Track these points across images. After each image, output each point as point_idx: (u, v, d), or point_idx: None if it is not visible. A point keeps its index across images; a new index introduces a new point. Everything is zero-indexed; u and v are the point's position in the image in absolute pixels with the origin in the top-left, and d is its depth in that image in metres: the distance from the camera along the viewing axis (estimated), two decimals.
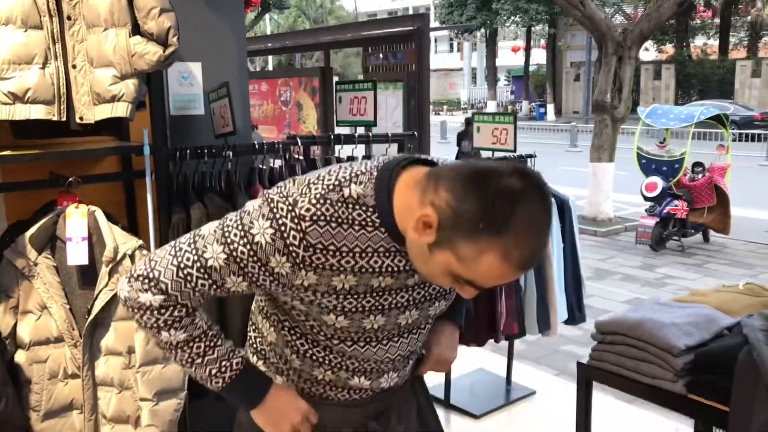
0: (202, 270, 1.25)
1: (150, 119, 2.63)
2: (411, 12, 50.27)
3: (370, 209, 1.24)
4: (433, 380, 3.02)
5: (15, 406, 2.28)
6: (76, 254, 2.45)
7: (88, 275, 2.52)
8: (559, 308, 3.75)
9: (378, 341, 1.34)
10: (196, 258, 1.25)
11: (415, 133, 3.43)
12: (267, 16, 34.07)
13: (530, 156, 3.92)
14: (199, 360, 1.32)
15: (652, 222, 8.43)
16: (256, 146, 2.88)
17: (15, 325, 2.45)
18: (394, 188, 1.23)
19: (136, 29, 2.38)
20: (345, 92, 3.29)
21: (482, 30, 32.53)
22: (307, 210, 1.20)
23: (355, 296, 1.26)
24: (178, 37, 2.39)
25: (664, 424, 3.63)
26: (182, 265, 1.26)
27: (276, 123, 6.19)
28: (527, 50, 34.67)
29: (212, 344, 1.33)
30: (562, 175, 14.91)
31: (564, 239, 3.85)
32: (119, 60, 2.37)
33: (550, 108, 31.96)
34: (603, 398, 3.93)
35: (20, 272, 2.44)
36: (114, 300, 2.49)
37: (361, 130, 3.36)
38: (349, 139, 3.05)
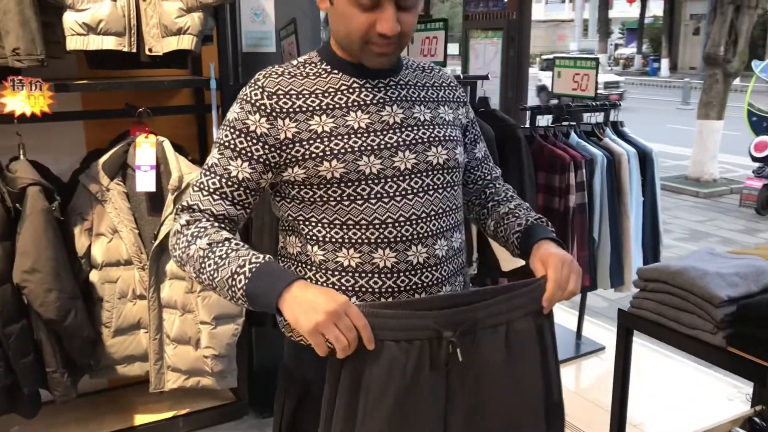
0: (207, 173, 1.35)
1: (217, 54, 2.69)
2: None
3: (318, 62, 1.39)
4: None
5: (83, 319, 2.44)
6: (145, 181, 2.57)
7: (155, 202, 2.64)
8: (634, 263, 3.61)
9: (390, 197, 1.32)
10: (202, 170, 1.37)
11: (488, 75, 3.33)
12: None
13: (614, 105, 3.75)
14: (223, 263, 1.23)
15: (758, 184, 7.93)
16: None
17: (89, 246, 2.61)
18: (331, 42, 1.39)
19: None
20: (417, 32, 3.23)
21: None
22: (259, 73, 1.37)
23: (338, 137, 1.31)
24: None
25: (726, 383, 3.47)
26: (195, 182, 1.37)
27: None
28: (643, 1, 32.84)
29: (236, 247, 1.27)
30: (668, 133, 14.24)
31: (644, 193, 3.68)
32: None
33: (665, 63, 30.29)
34: (668, 358, 3.80)
35: (94, 196, 2.58)
36: None
37: None
38: None
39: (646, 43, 34.26)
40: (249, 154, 1.32)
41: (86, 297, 2.58)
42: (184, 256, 1.30)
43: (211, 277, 1.26)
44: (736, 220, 8.15)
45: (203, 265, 1.26)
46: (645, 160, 3.67)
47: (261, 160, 1.32)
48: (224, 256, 1.25)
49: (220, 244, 1.27)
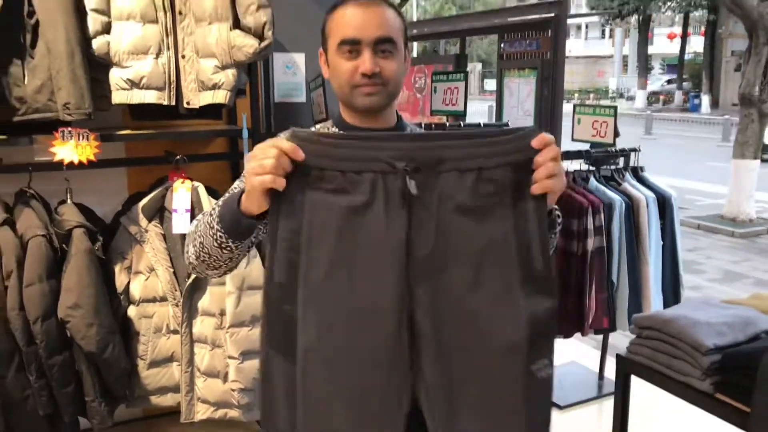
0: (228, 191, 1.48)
1: (249, 106, 2.89)
2: None
3: (330, 127, 1.62)
4: None
5: (120, 352, 2.62)
6: (180, 224, 2.75)
7: None
8: (653, 306, 3.67)
9: None
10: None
11: (509, 123, 3.48)
12: (414, 2, 34.51)
13: (633, 150, 3.85)
14: (203, 218, 1.39)
15: None
16: None
17: (128, 283, 2.80)
18: (340, 109, 1.62)
19: (236, 23, 2.63)
20: (440, 83, 3.41)
21: (636, 16, 31.05)
22: (280, 134, 1.51)
23: None
24: (273, 32, 2.62)
25: None
26: None
27: (410, 109, 6.32)
28: (683, 37, 32.74)
29: (214, 208, 1.41)
30: (707, 171, 14.12)
31: (664, 237, 3.76)
32: (221, 51, 2.63)
33: (705, 99, 30.04)
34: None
35: (133, 237, 2.78)
36: None
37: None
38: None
39: (685, 79, 33.94)
40: None
41: (124, 331, 2.76)
42: (187, 241, 1.43)
43: (201, 244, 1.37)
44: None
45: (195, 229, 1.39)
46: (664, 204, 3.75)
47: None
48: (201, 218, 1.40)
49: (204, 216, 1.41)
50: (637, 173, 3.84)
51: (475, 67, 41.68)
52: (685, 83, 33.87)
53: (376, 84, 1.50)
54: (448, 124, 3.18)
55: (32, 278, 2.44)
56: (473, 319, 1.18)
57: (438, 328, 1.18)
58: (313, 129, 1.59)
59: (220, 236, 1.32)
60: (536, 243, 1.20)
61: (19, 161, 2.70)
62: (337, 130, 1.58)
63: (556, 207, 1.44)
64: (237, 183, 1.52)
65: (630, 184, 3.71)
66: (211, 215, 1.36)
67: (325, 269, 1.17)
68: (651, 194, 3.66)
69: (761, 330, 1.76)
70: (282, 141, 1.20)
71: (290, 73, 3.26)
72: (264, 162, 1.17)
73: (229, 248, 1.34)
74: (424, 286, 1.18)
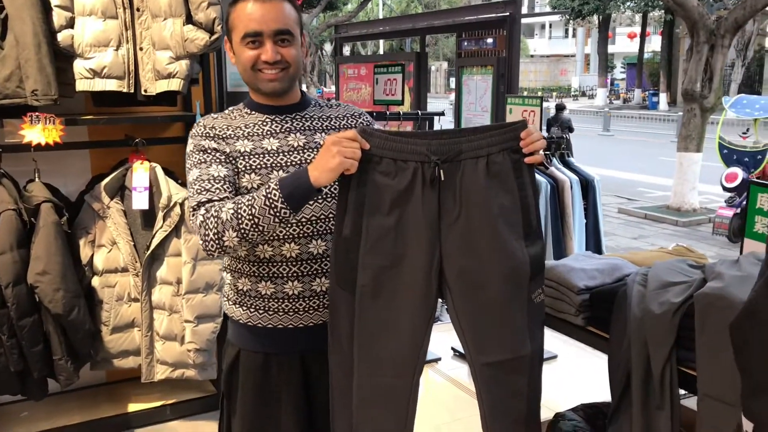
0: (196, 183, 1.70)
1: (202, 94, 3.18)
2: None
3: (242, 108, 1.86)
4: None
5: (85, 314, 2.90)
6: (140, 201, 3.04)
7: (148, 218, 3.11)
8: None
9: None
10: (191, 188, 1.73)
11: (444, 112, 3.81)
12: (380, 0, 34.85)
13: (561, 138, 4.22)
14: (253, 200, 1.58)
15: (730, 213, 8.33)
16: None
17: (92, 255, 3.07)
18: (250, 93, 1.87)
19: (189, 19, 2.92)
20: (381, 75, 3.73)
21: (597, 15, 31.76)
22: (200, 119, 1.85)
23: (256, 156, 1.74)
24: (222, 27, 2.91)
25: None
26: (192, 196, 1.71)
27: (372, 106, 6.51)
28: (642, 37, 33.57)
29: (249, 195, 1.62)
30: (659, 165, 14.67)
31: (587, 216, 4.12)
32: (175, 44, 2.92)
33: (663, 97, 30.88)
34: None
35: (96, 213, 3.06)
36: (167, 238, 3.07)
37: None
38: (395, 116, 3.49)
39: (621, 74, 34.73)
40: (217, 160, 1.72)
41: (88, 299, 3.03)
42: (219, 228, 1.60)
43: (250, 215, 1.58)
44: (710, 247, 8.55)
45: (240, 215, 1.59)
46: (588, 186, 4.12)
47: (226, 163, 1.72)
48: (250, 198, 1.61)
49: (242, 198, 1.63)
50: (563, 158, 4.21)
51: (441, 66, 42.15)
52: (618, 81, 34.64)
53: (280, 69, 1.74)
54: (388, 113, 3.50)
55: (4, 247, 2.71)
56: (489, 263, 1.61)
57: (461, 271, 1.61)
58: (226, 111, 1.85)
59: (284, 211, 1.58)
60: (532, 206, 1.66)
61: None
62: (249, 111, 1.82)
63: None
64: (194, 173, 1.70)
65: (556, 168, 4.07)
66: (268, 198, 1.56)
67: (380, 230, 1.60)
68: (575, 177, 4.03)
69: (624, 274, 2.10)
70: (355, 134, 1.56)
71: None
72: (353, 151, 1.55)
73: (286, 220, 1.60)
74: (450, 242, 1.60)
